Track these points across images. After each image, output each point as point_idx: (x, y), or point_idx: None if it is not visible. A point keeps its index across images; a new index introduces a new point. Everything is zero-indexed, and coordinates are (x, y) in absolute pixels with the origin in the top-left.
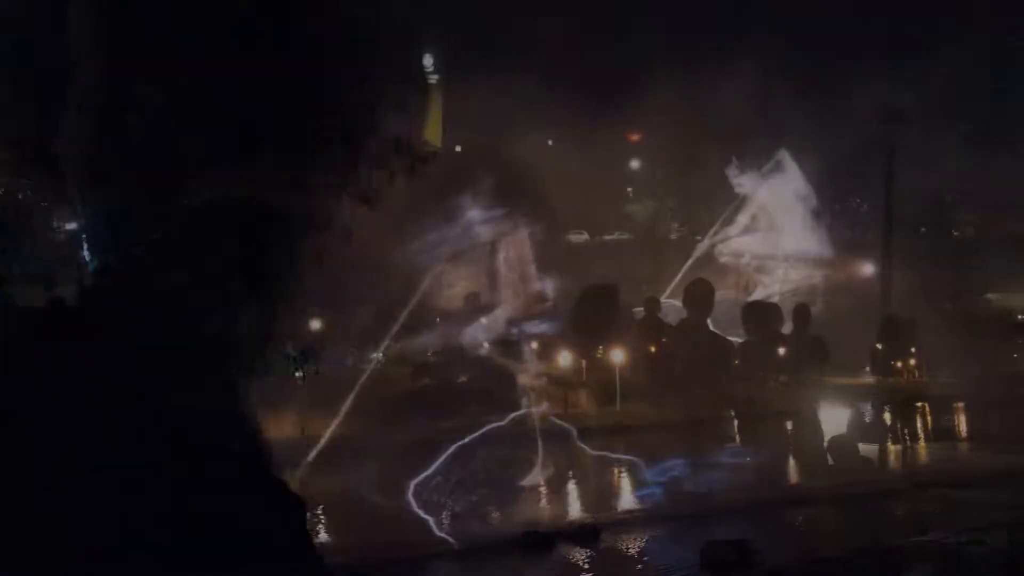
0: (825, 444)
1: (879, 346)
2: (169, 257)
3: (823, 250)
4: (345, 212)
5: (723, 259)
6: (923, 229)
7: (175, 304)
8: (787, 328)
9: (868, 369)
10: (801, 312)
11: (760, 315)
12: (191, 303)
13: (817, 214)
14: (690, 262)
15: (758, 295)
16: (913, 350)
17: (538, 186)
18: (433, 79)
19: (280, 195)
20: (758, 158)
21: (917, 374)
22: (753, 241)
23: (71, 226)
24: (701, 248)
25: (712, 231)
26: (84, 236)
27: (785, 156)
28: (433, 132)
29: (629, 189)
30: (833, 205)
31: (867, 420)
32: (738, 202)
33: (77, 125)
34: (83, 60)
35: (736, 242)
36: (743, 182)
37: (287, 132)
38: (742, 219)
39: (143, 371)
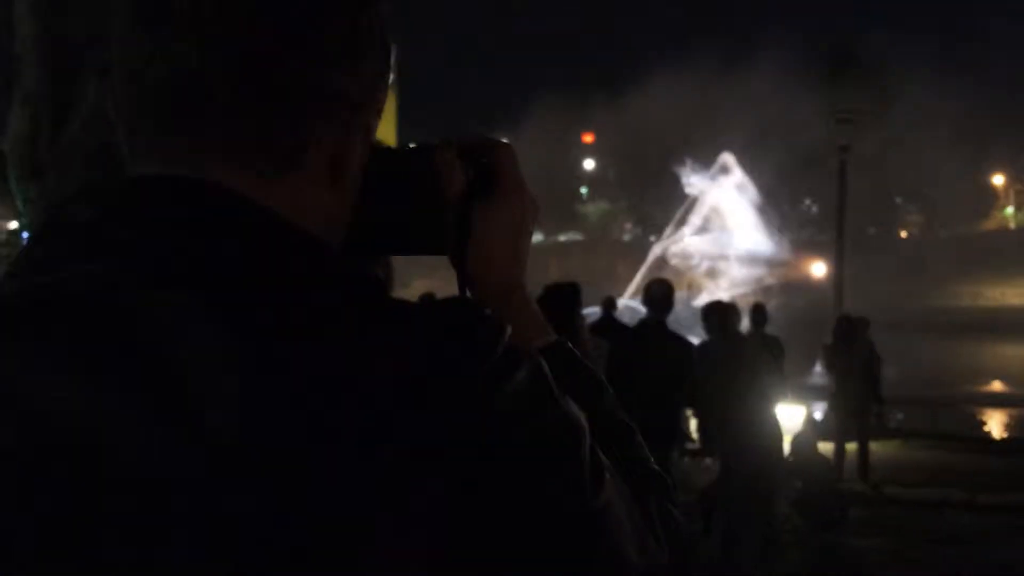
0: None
1: (830, 344)
2: None
3: (774, 251)
4: None
5: (673, 261)
6: (872, 230)
7: None
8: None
9: (819, 367)
10: (758, 311)
11: (719, 315)
12: None
13: (766, 215)
14: (648, 264)
15: (704, 297)
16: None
17: None
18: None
19: None
20: (710, 159)
21: (869, 372)
22: (703, 242)
23: (12, 225)
24: (657, 249)
25: (666, 233)
26: (24, 235)
27: (729, 158)
28: (386, 131)
29: (583, 190)
30: (782, 206)
31: (820, 419)
32: (689, 203)
33: (19, 120)
34: (24, 55)
35: (686, 244)
36: (693, 182)
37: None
38: (695, 220)
39: None
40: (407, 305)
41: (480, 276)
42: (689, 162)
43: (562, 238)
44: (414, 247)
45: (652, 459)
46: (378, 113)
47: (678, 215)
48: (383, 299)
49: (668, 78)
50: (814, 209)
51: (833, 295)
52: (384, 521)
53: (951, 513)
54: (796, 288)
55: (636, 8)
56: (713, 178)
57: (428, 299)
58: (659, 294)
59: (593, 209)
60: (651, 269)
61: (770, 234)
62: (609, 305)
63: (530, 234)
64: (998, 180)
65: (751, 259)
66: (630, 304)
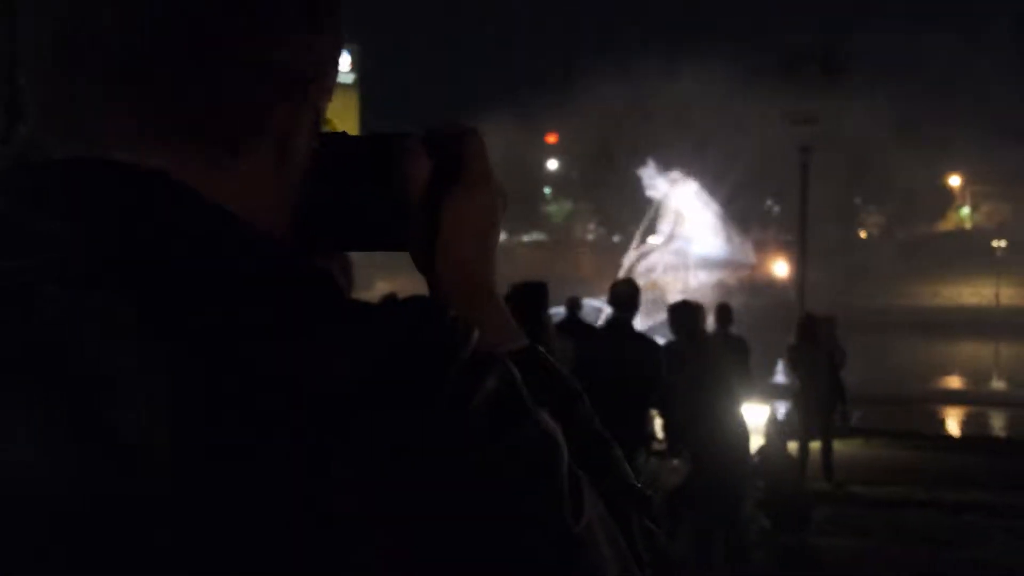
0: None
1: (794, 343)
2: None
3: (736, 252)
4: None
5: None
6: (832, 230)
7: None
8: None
9: (783, 367)
10: (723, 311)
11: (685, 315)
12: None
13: (728, 217)
14: (624, 269)
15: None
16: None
17: None
18: (350, 79)
19: None
20: (671, 160)
21: (833, 372)
22: (666, 250)
23: None
24: (631, 257)
25: (636, 242)
26: None
27: (686, 163)
28: (349, 132)
29: (546, 190)
30: (744, 207)
31: (785, 419)
32: (655, 207)
33: None
34: None
35: (651, 257)
36: (656, 185)
37: None
38: (664, 227)
39: None
40: (365, 305)
41: (446, 274)
42: (652, 164)
43: (526, 238)
44: (372, 242)
45: (631, 474)
46: (328, 94)
47: (645, 221)
48: (337, 297)
49: (630, 79)
50: (776, 210)
51: (796, 295)
52: (335, 538)
53: (914, 512)
54: (759, 288)
55: (602, 8)
56: (672, 182)
57: (390, 300)
58: (625, 294)
59: (556, 209)
60: (628, 273)
61: (730, 237)
62: (574, 305)
63: (499, 229)
64: (954, 181)
65: (711, 264)
66: (595, 304)
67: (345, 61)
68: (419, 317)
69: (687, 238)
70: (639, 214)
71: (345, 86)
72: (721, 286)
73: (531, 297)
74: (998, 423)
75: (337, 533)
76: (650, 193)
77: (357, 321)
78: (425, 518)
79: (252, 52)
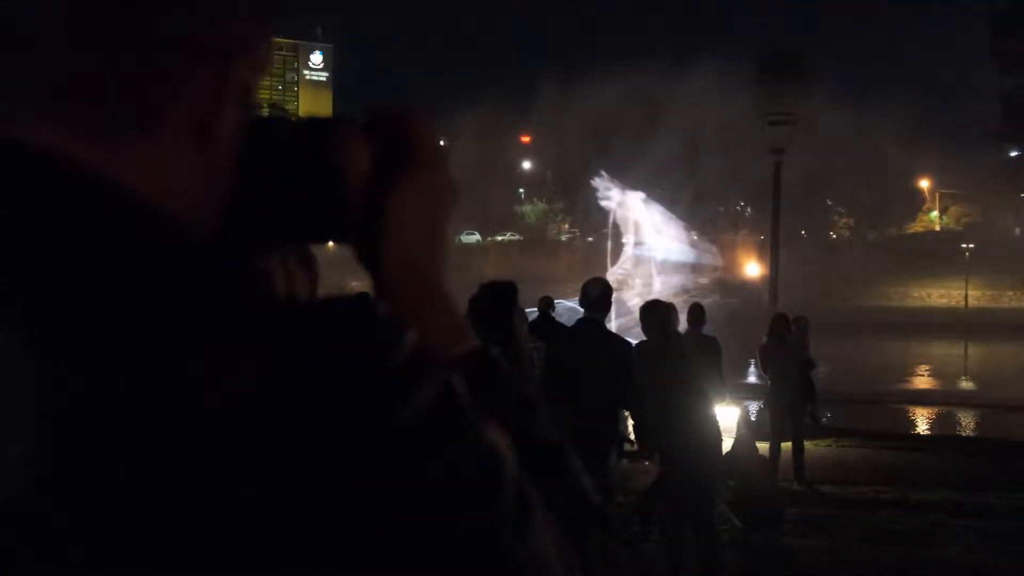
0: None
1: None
2: None
3: (701, 256)
4: None
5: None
6: (804, 232)
7: None
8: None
9: (755, 366)
10: (695, 311)
11: (657, 315)
12: None
13: (688, 220)
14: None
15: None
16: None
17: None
18: (323, 77)
19: None
20: (643, 162)
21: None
22: (631, 257)
23: None
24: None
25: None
26: None
27: (658, 163)
28: None
29: (520, 190)
30: (718, 208)
31: (757, 419)
32: (611, 215)
33: None
34: None
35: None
36: (611, 196)
37: None
38: (631, 238)
39: None
40: (290, 302)
41: (391, 270)
42: (605, 173)
43: (499, 238)
44: (310, 233)
45: (591, 490)
46: (258, 70)
47: (609, 227)
48: (255, 294)
49: (602, 80)
50: (748, 211)
51: (768, 295)
52: (234, 568)
53: (884, 511)
54: (732, 289)
55: (574, 10)
56: (623, 191)
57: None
58: (596, 293)
59: (530, 209)
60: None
61: (693, 242)
62: (547, 306)
63: (450, 220)
64: (924, 184)
65: (674, 267)
66: (569, 304)
67: (318, 60)
68: (345, 316)
69: (648, 243)
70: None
71: (319, 84)
72: (686, 289)
73: (499, 297)
74: (966, 423)
75: (234, 564)
76: (603, 203)
77: (274, 320)
78: (344, 548)
79: (159, 22)
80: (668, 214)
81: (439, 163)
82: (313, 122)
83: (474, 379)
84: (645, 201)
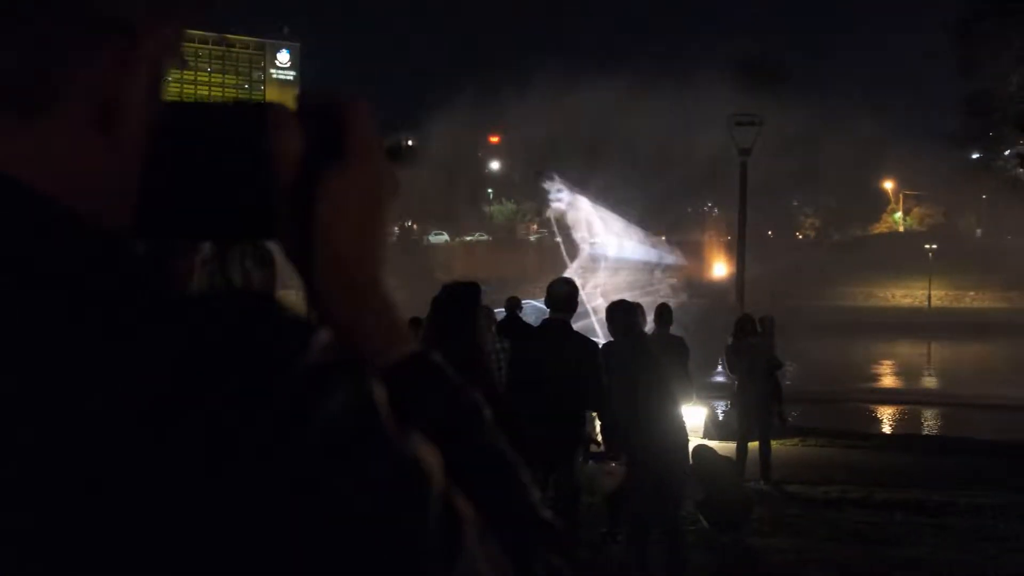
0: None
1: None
2: None
3: (659, 254)
4: None
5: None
6: (770, 233)
7: None
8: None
9: (720, 366)
10: (663, 311)
11: (623, 314)
12: None
13: (644, 221)
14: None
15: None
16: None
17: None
18: (290, 76)
19: None
20: (609, 161)
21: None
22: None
23: None
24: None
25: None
26: None
27: (587, 172)
28: None
29: (489, 190)
30: (686, 209)
31: (723, 419)
32: (557, 215)
33: None
34: None
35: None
36: (561, 196)
37: None
38: (584, 237)
39: None
40: (186, 300)
41: (322, 267)
42: (555, 174)
43: (468, 239)
44: (234, 229)
45: (540, 506)
46: (171, 49)
47: (555, 227)
48: (152, 293)
49: (570, 81)
50: (716, 212)
51: (735, 294)
52: None
53: (851, 510)
54: (698, 289)
55: (544, 10)
56: (571, 192)
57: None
58: (562, 293)
59: (499, 209)
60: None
61: (645, 239)
62: (514, 306)
63: (387, 214)
64: (888, 186)
65: (629, 266)
66: (537, 304)
67: (285, 59)
68: (234, 314)
69: (600, 243)
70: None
71: (285, 83)
72: (640, 287)
73: (462, 298)
74: (931, 421)
75: (108, 566)
76: (554, 204)
77: (162, 320)
78: (229, 563)
79: None
80: (624, 215)
81: (375, 154)
82: (239, 107)
83: (410, 385)
84: (596, 202)
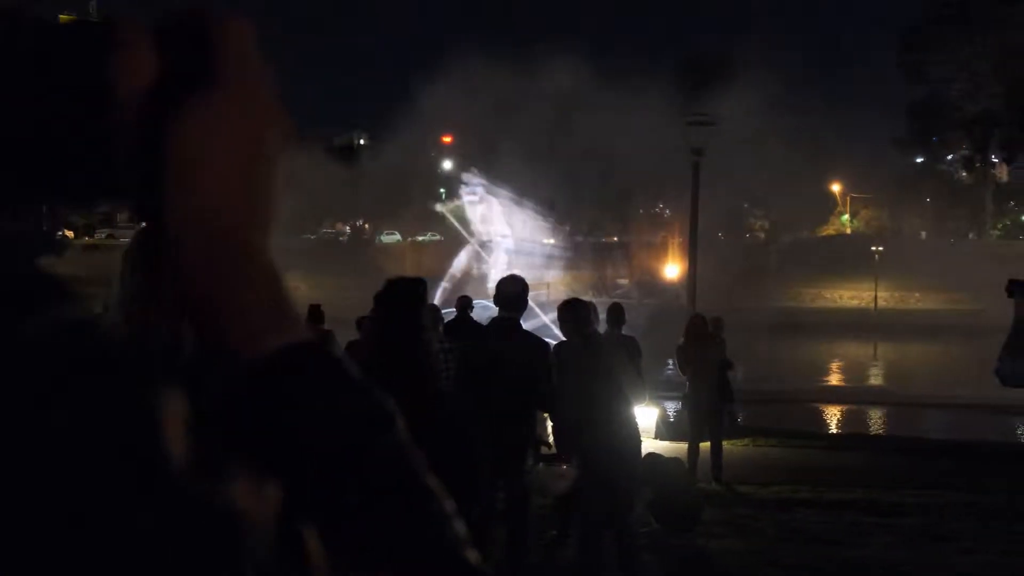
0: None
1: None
2: None
3: (544, 249)
4: None
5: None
6: (720, 235)
7: None
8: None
9: (671, 366)
10: (615, 311)
11: (575, 314)
12: None
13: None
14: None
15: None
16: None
17: (349, 185)
18: None
19: None
20: (564, 161)
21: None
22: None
23: None
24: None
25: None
26: None
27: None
28: None
29: (442, 190)
30: (637, 209)
31: (672, 420)
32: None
33: None
34: None
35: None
36: (475, 192)
37: None
38: (482, 228)
39: None
40: None
41: (181, 226)
42: (475, 170)
43: (420, 238)
44: (65, 187)
45: (462, 540)
46: None
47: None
48: None
49: (521, 80)
50: (667, 213)
51: (686, 295)
52: None
53: (802, 511)
54: (650, 288)
55: (497, 7)
56: (485, 189)
57: None
58: (511, 292)
59: (452, 209)
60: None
61: (555, 235)
62: (464, 306)
63: (271, 162)
64: (836, 188)
65: (530, 261)
66: (488, 304)
67: None
68: None
69: (503, 239)
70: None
71: None
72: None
73: (406, 293)
74: (880, 421)
75: None
76: (469, 202)
77: None
78: None
79: None
80: (543, 213)
81: (254, 80)
82: (78, 26)
83: (291, 383)
84: (511, 200)
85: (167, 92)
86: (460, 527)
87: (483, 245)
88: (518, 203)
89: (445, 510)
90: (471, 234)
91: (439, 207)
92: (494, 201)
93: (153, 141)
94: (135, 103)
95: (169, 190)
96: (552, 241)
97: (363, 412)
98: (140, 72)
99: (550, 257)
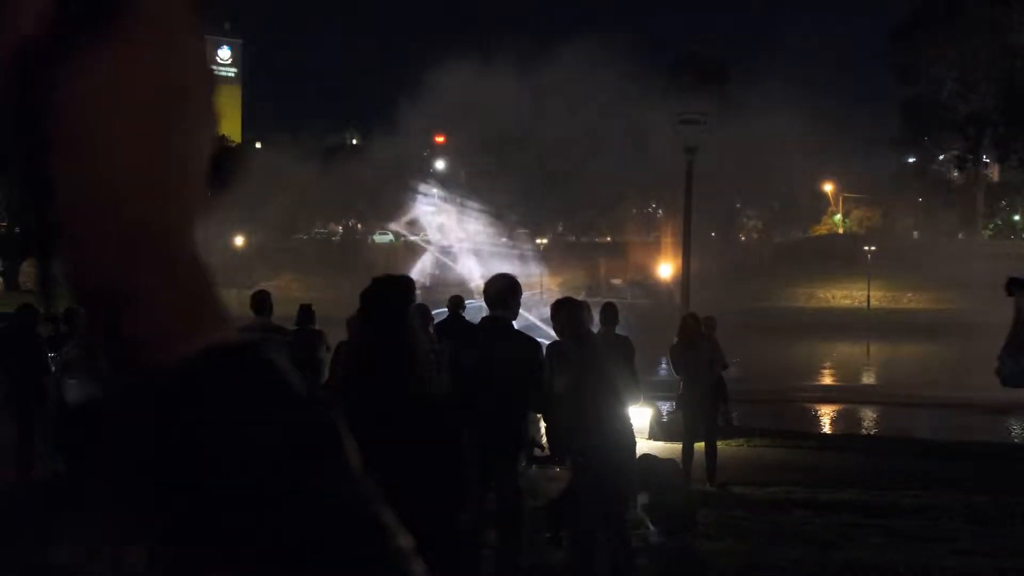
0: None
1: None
2: None
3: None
4: None
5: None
6: (713, 234)
7: None
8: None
9: (665, 366)
10: (608, 311)
11: (568, 313)
12: None
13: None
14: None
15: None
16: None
17: (343, 186)
18: (231, 72)
19: None
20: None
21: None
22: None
23: None
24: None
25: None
26: None
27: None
28: (231, 127)
29: (435, 190)
30: (629, 209)
31: (666, 420)
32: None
33: None
34: None
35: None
36: (432, 197)
37: None
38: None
39: None
40: None
41: (77, 205)
42: (434, 178)
43: (413, 238)
44: None
45: (411, 561)
46: None
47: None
48: None
49: (514, 80)
50: (660, 212)
51: (679, 295)
52: None
53: (797, 512)
54: (645, 288)
55: (491, 7)
56: (444, 195)
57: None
58: (499, 290)
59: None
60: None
61: (508, 232)
62: (456, 305)
63: (199, 121)
64: (828, 188)
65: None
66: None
67: (226, 55)
68: None
69: (454, 242)
70: (531, 214)
71: (227, 79)
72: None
73: (392, 291)
74: (874, 421)
75: None
76: (425, 206)
77: None
78: None
79: None
80: (503, 219)
81: (170, 21)
82: None
83: (212, 392)
84: (467, 208)
85: (54, 31)
86: (419, 570)
87: (444, 250)
88: (480, 210)
89: (401, 551)
90: (428, 242)
91: (399, 217)
92: (449, 210)
93: (37, 95)
94: (11, 46)
95: (61, 159)
96: (539, 241)
97: (298, 432)
98: (24, 10)
99: (524, 258)
